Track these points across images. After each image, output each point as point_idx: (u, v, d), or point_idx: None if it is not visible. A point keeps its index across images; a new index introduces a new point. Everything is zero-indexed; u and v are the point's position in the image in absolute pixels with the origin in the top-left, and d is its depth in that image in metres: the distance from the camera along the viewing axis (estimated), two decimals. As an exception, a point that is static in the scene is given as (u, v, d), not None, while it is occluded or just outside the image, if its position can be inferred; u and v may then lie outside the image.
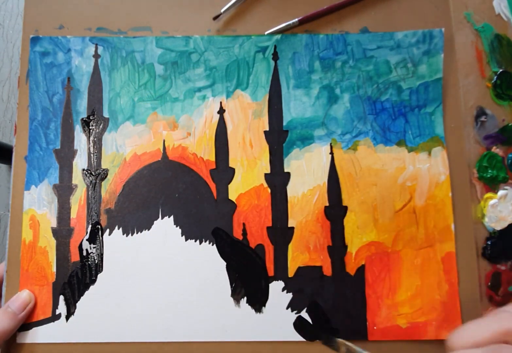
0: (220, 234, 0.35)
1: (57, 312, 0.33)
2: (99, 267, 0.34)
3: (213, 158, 0.36)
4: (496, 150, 0.36)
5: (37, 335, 0.33)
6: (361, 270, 0.34)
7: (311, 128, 0.36)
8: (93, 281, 0.34)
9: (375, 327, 0.33)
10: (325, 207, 0.35)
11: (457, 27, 0.37)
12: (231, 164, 0.36)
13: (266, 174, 0.36)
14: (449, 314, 0.33)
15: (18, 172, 0.35)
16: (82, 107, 0.36)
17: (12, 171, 0.35)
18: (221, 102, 0.37)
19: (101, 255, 0.34)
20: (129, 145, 0.36)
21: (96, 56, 0.37)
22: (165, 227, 0.35)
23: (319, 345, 0.33)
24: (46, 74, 0.37)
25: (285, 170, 0.36)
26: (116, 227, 0.35)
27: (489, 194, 0.35)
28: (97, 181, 0.35)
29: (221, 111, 0.36)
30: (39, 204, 0.35)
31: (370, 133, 0.36)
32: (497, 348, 0.21)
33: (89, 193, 0.35)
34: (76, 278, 0.34)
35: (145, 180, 0.35)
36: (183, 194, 0.35)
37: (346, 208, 0.35)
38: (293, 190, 0.35)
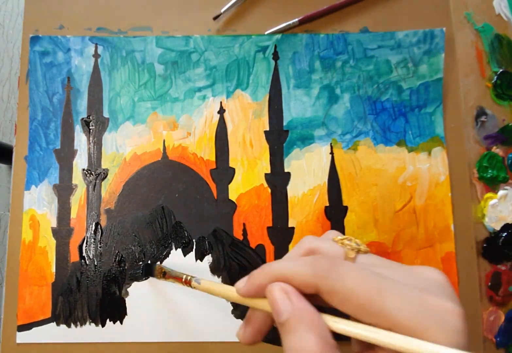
0: (221, 234, 0.35)
1: (57, 312, 0.33)
2: (98, 268, 0.34)
3: (213, 158, 0.36)
4: (496, 150, 0.36)
5: (37, 335, 0.33)
6: (361, 270, 0.34)
7: (311, 128, 0.36)
8: (92, 282, 0.34)
9: (375, 327, 0.33)
10: (326, 207, 0.35)
11: (457, 27, 0.37)
12: (231, 164, 0.36)
13: (266, 174, 0.35)
14: (449, 314, 0.33)
15: (18, 172, 0.35)
16: (82, 107, 0.36)
17: (12, 171, 0.35)
18: (221, 102, 0.36)
19: (100, 256, 0.34)
20: (129, 145, 0.36)
21: (96, 56, 0.37)
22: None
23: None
24: (46, 74, 0.36)
25: (286, 170, 0.36)
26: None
27: (489, 194, 0.35)
28: (97, 181, 0.35)
29: (221, 111, 0.36)
30: (39, 204, 0.35)
31: (370, 133, 0.36)
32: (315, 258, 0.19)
33: (89, 193, 0.35)
34: (75, 279, 0.34)
35: (145, 180, 0.35)
36: (183, 194, 0.35)
37: (346, 208, 0.35)
38: (293, 190, 0.35)
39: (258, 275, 0.19)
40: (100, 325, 0.33)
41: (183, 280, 0.26)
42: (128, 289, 0.34)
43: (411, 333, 0.14)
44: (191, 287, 0.24)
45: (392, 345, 0.15)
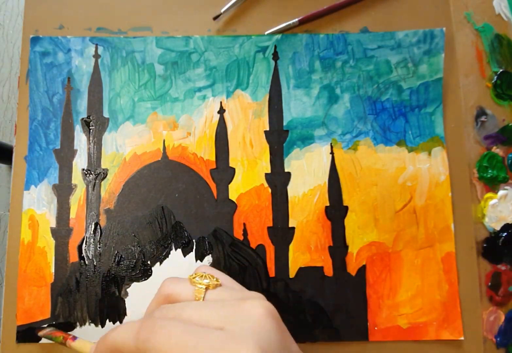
0: (221, 234, 0.35)
1: (56, 313, 0.33)
2: (97, 268, 0.34)
3: (213, 158, 0.36)
4: (496, 150, 0.36)
5: (36, 336, 0.33)
6: (362, 270, 0.34)
7: (311, 128, 0.36)
8: (91, 282, 0.34)
9: (376, 328, 0.33)
10: (326, 207, 0.35)
11: (457, 27, 0.37)
12: (231, 164, 0.36)
13: (266, 174, 0.35)
14: (449, 314, 0.33)
15: (18, 172, 0.35)
16: (82, 107, 0.36)
17: (12, 171, 0.35)
18: (221, 102, 0.36)
19: (99, 256, 0.34)
20: (129, 145, 0.36)
21: (96, 56, 0.37)
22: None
23: (320, 345, 0.33)
24: (46, 74, 0.36)
25: (286, 170, 0.36)
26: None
27: (489, 194, 0.35)
28: (97, 181, 0.35)
29: (221, 111, 0.36)
30: (38, 204, 0.35)
31: (371, 133, 0.36)
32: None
33: (89, 193, 0.35)
34: (74, 279, 0.34)
35: (145, 180, 0.35)
36: (183, 194, 0.35)
37: (346, 208, 0.35)
38: (293, 190, 0.35)
39: (98, 346, 0.21)
40: (100, 326, 0.33)
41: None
42: (128, 290, 0.34)
43: None
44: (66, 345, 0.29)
45: None
